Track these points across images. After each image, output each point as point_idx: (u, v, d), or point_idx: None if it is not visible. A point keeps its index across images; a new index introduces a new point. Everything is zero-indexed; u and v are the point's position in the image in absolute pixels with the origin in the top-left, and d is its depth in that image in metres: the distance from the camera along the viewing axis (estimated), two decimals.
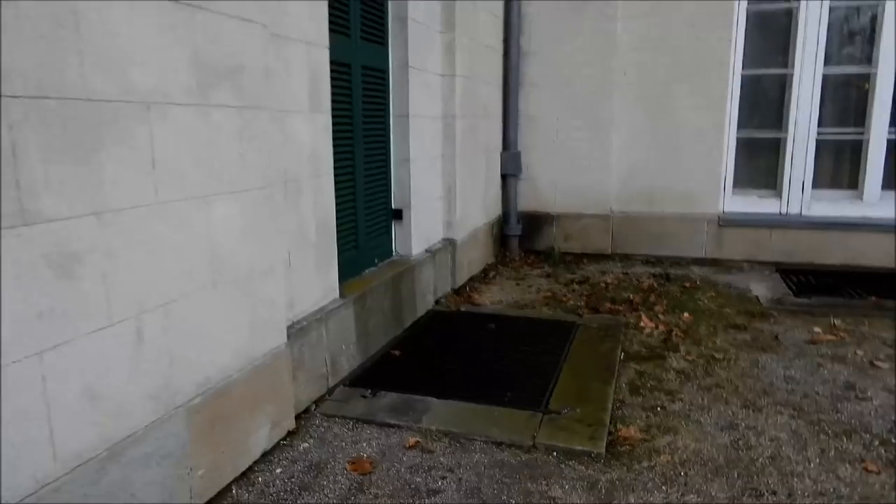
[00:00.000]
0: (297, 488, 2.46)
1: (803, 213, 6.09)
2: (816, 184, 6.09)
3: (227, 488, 2.43)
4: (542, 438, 2.79)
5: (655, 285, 5.42)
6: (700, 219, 6.24)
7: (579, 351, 3.85)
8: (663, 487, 2.46)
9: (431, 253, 4.71)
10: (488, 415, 3.01)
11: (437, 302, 4.85)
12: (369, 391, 3.24)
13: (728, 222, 6.17)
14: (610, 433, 2.86)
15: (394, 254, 4.48)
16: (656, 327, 4.35)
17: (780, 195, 6.15)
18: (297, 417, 2.97)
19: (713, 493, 2.42)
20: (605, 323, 4.40)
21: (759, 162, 6.27)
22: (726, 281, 5.61)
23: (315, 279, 3.14)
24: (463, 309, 4.73)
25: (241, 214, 2.42)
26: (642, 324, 4.40)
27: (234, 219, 2.38)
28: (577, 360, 3.69)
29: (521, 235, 6.67)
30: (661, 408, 3.15)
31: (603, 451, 2.70)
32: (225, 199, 2.32)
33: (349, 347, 3.43)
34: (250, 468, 2.56)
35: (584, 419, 2.96)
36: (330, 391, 3.24)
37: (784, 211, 6.13)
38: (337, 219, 3.42)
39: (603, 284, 5.45)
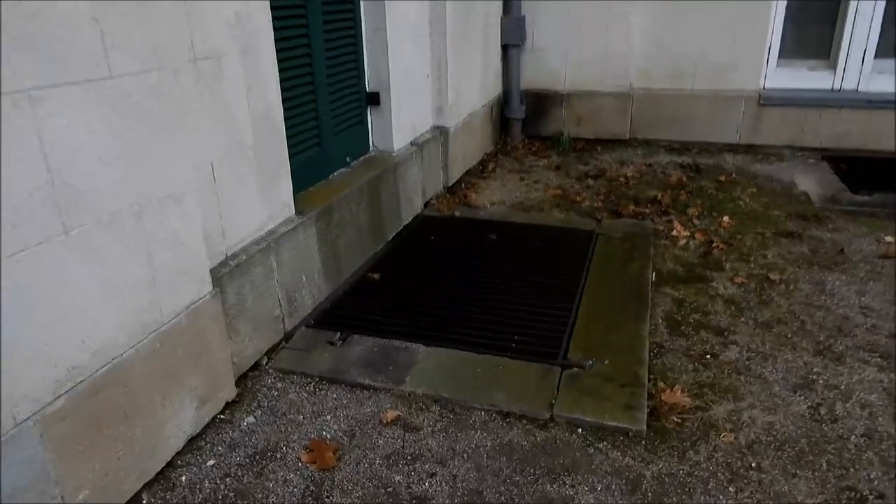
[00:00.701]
0: (231, 494, 1.81)
1: (861, 88, 5.13)
2: (880, 52, 5.09)
3: (136, 499, 1.77)
4: (562, 408, 2.11)
5: (685, 179, 4.60)
6: (736, 96, 5.29)
7: (601, 271, 3.12)
8: (730, 489, 1.81)
9: (418, 146, 3.84)
10: (490, 369, 2.32)
11: (426, 205, 4.06)
12: (338, 335, 2.54)
13: (770, 100, 5.23)
14: (650, 395, 2.19)
15: (371, 149, 3.62)
16: (692, 236, 3.59)
17: (834, 66, 5.16)
18: (243, 377, 2.28)
19: (799, 499, 1.78)
20: (629, 231, 3.64)
21: (812, 25, 5.21)
22: (766, 172, 4.79)
23: (256, 196, 2.32)
24: (458, 214, 3.94)
25: (106, 118, 1.56)
26: (675, 232, 3.64)
27: (92, 127, 1.52)
28: (598, 285, 2.96)
29: (524, 119, 5.73)
30: (711, 355, 2.46)
31: (644, 427, 2.03)
32: (71, 93, 1.46)
33: (313, 277, 2.69)
34: (171, 464, 1.90)
35: (615, 375, 2.28)
36: (288, 336, 2.53)
37: (838, 86, 5.17)
38: (287, 110, 2.55)
39: (622, 179, 4.63)
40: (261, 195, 2.35)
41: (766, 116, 5.27)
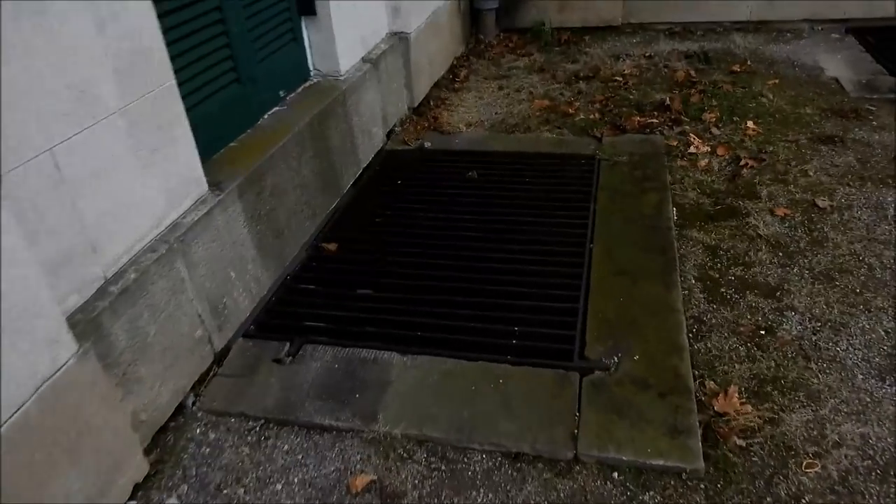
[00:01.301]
0: None
1: None
2: None
3: None
4: (588, 440, 1.58)
5: (693, 73, 3.88)
6: None
7: (609, 213, 2.50)
8: None
9: (373, 62, 3.07)
10: (488, 383, 1.77)
11: (389, 135, 3.34)
12: (287, 347, 1.95)
13: None
14: (699, 404, 1.66)
15: (311, 74, 2.85)
16: (713, 152, 2.96)
17: None
18: (162, 432, 1.71)
19: None
20: (637, 151, 2.99)
21: None
22: (785, 55, 4.08)
23: (138, 178, 1.64)
24: (427, 145, 3.24)
25: None
26: (693, 148, 3.00)
27: None
28: (609, 235, 2.36)
29: (498, 9, 4.86)
30: (765, 330, 1.93)
31: (700, 462, 1.52)
32: None
33: (245, 270, 2.06)
34: None
35: (650, 376, 1.75)
36: (220, 357, 1.94)
37: None
38: (173, 39, 1.81)
39: (620, 79, 3.90)
40: (146, 175, 1.67)
41: None
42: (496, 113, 3.62)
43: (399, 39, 3.41)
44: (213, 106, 2.11)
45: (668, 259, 2.22)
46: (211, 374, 1.88)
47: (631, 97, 3.62)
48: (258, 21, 2.38)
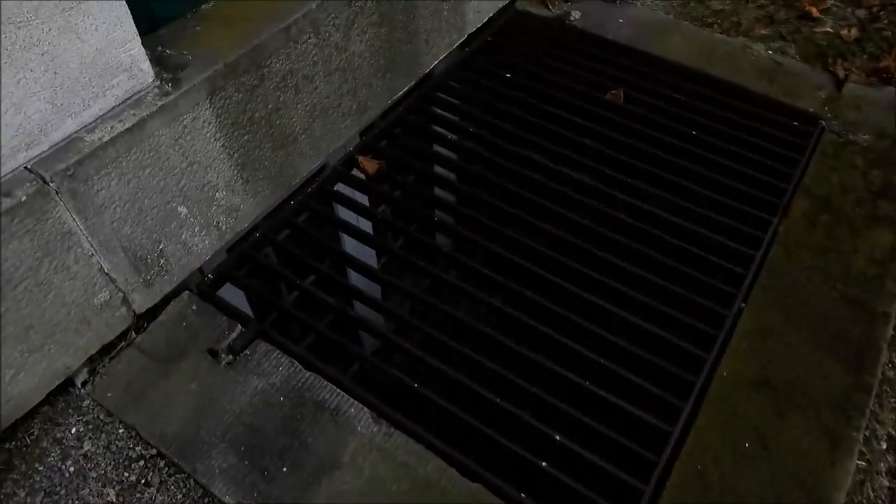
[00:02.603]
0: None
1: None
2: None
3: None
4: None
5: None
6: None
7: (799, 246, 1.54)
8: None
9: None
10: None
11: None
12: (236, 332, 1.34)
13: None
14: None
15: None
16: None
17: None
18: (30, 417, 1.24)
19: None
20: (892, 129, 1.84)
21: None
22: None
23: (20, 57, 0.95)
24: (574, 17, 2.17)
25: None
26: None
27: None
28: (778, 295, 1.44)
29: None
30: None
31: None
32: None
33: (211, 200, 1.38)
34: None
35: None
36: (149, 317, 1.37)
37: None
38: None
39: None
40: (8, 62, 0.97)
41: None
42: None
43: None
44: None
45: (860, 382, 1.32)
46: (125, 342, 1.35)
47: None
48: None
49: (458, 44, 2.02)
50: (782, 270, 1.49)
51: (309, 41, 1.43)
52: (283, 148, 1.49)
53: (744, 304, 1.42)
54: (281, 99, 1.42)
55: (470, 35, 2.07)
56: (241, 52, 1.28)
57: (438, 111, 1.90)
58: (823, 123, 1.85)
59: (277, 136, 1.46)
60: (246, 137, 1.38)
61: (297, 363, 1.31)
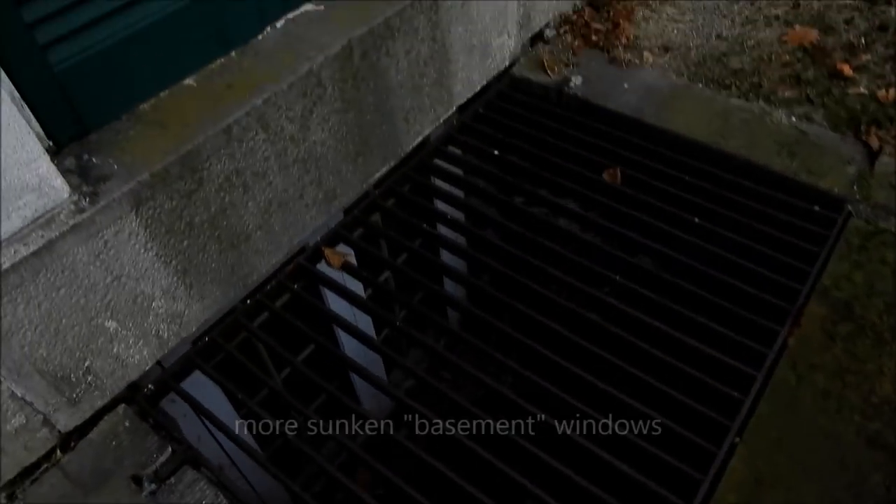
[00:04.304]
0: None
1: None
2: None
3: None
4: None
5: None
6: None
7: (811, 369, 1.33)
8: None
9: None
10: None
11: (533, 42, 2.16)
12: (163, 458, 1.24)
13: None
14: None
15: None
16: None
17: None
18: None
19: None
20: None
21: None
22: None
23: None
24: (574, 83, 2.00)
25: None
26: None
27: None
28: (780, 433, 1.24)
29: None
30: None
31: None
32: None
33: (147, 311, 1.29)
34: None
35: None
36: (79, 435, 1.29)
37: None
38: None
39: None
40: None
41: None
42: (718, 35, 2.22)
43: None
44: (110, 31, 1.19)
45: None
46: (49, 463, 1.26)
47: None
48: None
49: (445, 117, 1.90)
50: (789, 396, 1.29)
51: (257, 138, 1.34)
52: (234, 248, 1.39)
53: (738, 440, 1.22)
54: (226, 200, 1.33)
55: (460, 106, 1.95)
56: (173, 159, 1.19)
57: (414, 197, 1.78)
58: (850, 208, 1.63)
59: (225, 236, 1.36)
60: (185, 243, 1.29)
61: (222, 497, 1.20)
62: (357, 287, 1.71)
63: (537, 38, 2.19)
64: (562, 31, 2.22)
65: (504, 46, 2.02)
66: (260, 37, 1.46)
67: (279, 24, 1.49)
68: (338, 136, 1.54)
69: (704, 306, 1.45)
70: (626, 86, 2.02)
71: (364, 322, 1.84)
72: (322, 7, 1.56)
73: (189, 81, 1.33)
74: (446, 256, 1.92)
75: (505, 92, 2.02)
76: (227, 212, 1.34)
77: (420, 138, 1.83)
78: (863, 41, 2.12)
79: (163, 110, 1.28)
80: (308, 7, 1.55)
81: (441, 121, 1.88)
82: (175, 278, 1.31)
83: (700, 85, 2.04)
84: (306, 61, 1.40)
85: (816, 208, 1.63)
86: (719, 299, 1.45)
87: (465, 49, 1.85)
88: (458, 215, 1.83)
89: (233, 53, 1.41)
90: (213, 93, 1.31)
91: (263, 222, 1.43)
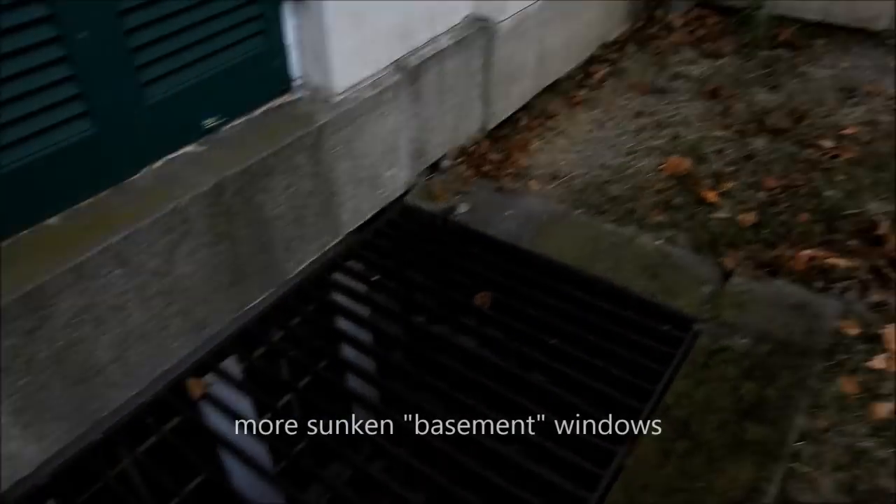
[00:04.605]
0: None
1: None
2: None
3: None
4: None
5: None
6: None
7: (655, 479, 1.37)
8: None
9: (408, 70, 2.04)
10: None
11: (433, 168, 2.34)
12: None
13: None
14: None
15: (294, 85, 1.91)
16: None
17: None
18: None
19: None
20: (775, 332, 1.69)
21: None
22: None
23: None
24: (460, 211, 2.16)
25: None
26: (880, 359, 1.64)
27: None
28: None
29: None
30: None
31: None
32: None
33: None
34: None
35: None
36: None
37: None
38: None
39: (828, 145, 2.39)
40: None
41: None
42: (604, 164, 2.41)
43: (479, 30, 2.29)
44: None
45: None
46: None
47: (826, 194, 2.18)
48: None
49: (333, 244, 2.02)
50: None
51: (113, 273, 1.43)
52: (84, 383, 1.45)
53: None
54: (75, 335, 1.39)
55: (350, 233, 2.07)
56: (12, 299, 1.27)
57: (291, 323, 1.85)
58: (697, 327, 1.72)
59: (73, 372, 1.42)
60: (24, 381, 1.34)
61: None
62: (245, 409, 1.74)
63: (434, 167, 2.37)
64: (458, 161, 2.40)
65: (396, 177, 2.18)
66: (136, 177, 1.59)
67: (157, 164, 1.63)
68: (208, 267, 1.63)
69: (549, 430, 1.50)
70: (508, 213, 2.17)
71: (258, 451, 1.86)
72: (204, 148, 1.71)
73: (53, 220, 1.44)
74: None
75: (395, 220, 2.16)
76: (76, 347, 1.40)
77: (303, 266, 1.93)
78: (726, 171, 2.31)
79: (18, 249, 1.37)
80: (189, 148, 1.70)
81: (328, 248, 2.00)
82: (10, 418, 1.34)
83: (579, 211, 2.19)
84: (174, 200, 1.52)
85: (667, 328, 1.72)
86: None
87: (352, 182, 2.00)
88: (335, 337, 1.90)
89: (104, 193, 1.53)
90: (73, 231, 1.42)
91: (119, 355, 1.49)
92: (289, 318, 1.85)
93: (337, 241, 2.03)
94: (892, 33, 3.05)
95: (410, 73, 2.05)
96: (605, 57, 3.07)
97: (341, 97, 1.89)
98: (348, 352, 1.82)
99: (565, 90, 2.84)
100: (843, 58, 2.99)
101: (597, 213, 2.18)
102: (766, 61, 2.98)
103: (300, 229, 1.87)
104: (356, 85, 1.92)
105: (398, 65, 2.04)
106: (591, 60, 3.04)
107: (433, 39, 2.15)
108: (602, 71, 2.97)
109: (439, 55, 2.14)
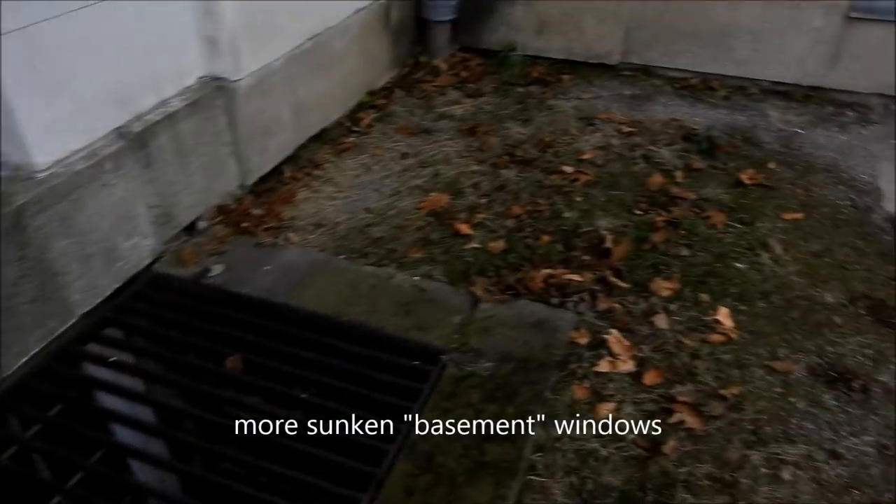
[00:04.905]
0: None
1: None
2: None
3: None
4: None
5: (678, 177, 2.58)
6: (811, 4, 3.04)
7: None
8: None
9: (132, 137, 1.94)
10: None
11: (191, 229, 2.23)
12: None
13: (869, 11, 2.98)
14: None
15: None
16: (636, 380, 1.74)
17: None
18: None
19: None
20: (516, 350, 1.78)
21: None
22: (831, 155, 2.72)
23: None
24: (215, 271, 2.07)
25: None
26: (605, 363, 1.78)
27: None
28: None
29: (455, 20, 3.58)
30: None
31: None
32: None
33: None
34: None
35: None
36: None
37: None
38: None
39: (569, 170, 2.62)
40: None
41: (853, 40, 3.04)
42: (368, 208, 2.44)
43: (215, 90, 2.24)
44: None
45: None
46: None
47: (565, 216, 2.37)
48: None
49: (64, 329, 1.84)
50: None
51: None
52: None
53: None
54: None
55: (85, 313, 1.90)
56: None
57: (12, 418, 1.66)
58: (445, 358, 1.77)
59: None
60: None
61: None
62: None
63: (191, 229, 2.26)
64: (216, 221, 2.31)
65: (139, 246, 2.05)
66: None
67: None
68: None
69: (293, 487, 1.44)
70: (266, 268, 2.12)
71: None
72: None
73: None
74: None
75: (141, 291, 2.02)
76: None
77: (25, 358, 1.74)
78: (480, 203, 2.44)
79: None
80: None
81: (56, 334, 1.82)
82: None
83: (341, 257, 2.20)
84: None
85: (417, 363, 1.75)
86: (310, 475, 1.46)
87: (78, 259, 1.84)
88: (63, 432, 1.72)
89: None
90: None
91: None
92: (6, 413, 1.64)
93: (70, 323, 1.85)
94: (623, 67, 3.45)
95: (135, 140, 1.95)
96: (373, 103, 3.16)
97: (47, 173, 1.75)
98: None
99: (333, 138, 2.87)
100: (587, 89, 3.32)
101: (359, 257, 2.20)
102: (520, 97, 3.23)
103: (12, 320, 1.68)
104: (66, 158, 1.79)
105: (120, 132, 1.93)
106: (360, 107, 3.11)
107: (162, 103, 2.07)
108: (370, 117, 3.04)
109: (171, 118, 2.06)
